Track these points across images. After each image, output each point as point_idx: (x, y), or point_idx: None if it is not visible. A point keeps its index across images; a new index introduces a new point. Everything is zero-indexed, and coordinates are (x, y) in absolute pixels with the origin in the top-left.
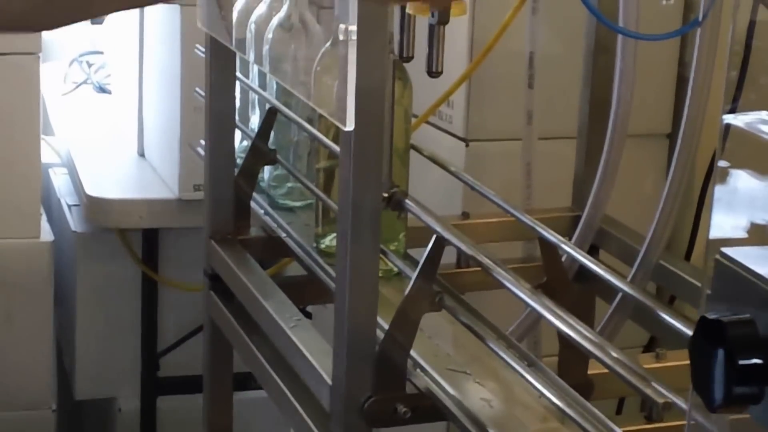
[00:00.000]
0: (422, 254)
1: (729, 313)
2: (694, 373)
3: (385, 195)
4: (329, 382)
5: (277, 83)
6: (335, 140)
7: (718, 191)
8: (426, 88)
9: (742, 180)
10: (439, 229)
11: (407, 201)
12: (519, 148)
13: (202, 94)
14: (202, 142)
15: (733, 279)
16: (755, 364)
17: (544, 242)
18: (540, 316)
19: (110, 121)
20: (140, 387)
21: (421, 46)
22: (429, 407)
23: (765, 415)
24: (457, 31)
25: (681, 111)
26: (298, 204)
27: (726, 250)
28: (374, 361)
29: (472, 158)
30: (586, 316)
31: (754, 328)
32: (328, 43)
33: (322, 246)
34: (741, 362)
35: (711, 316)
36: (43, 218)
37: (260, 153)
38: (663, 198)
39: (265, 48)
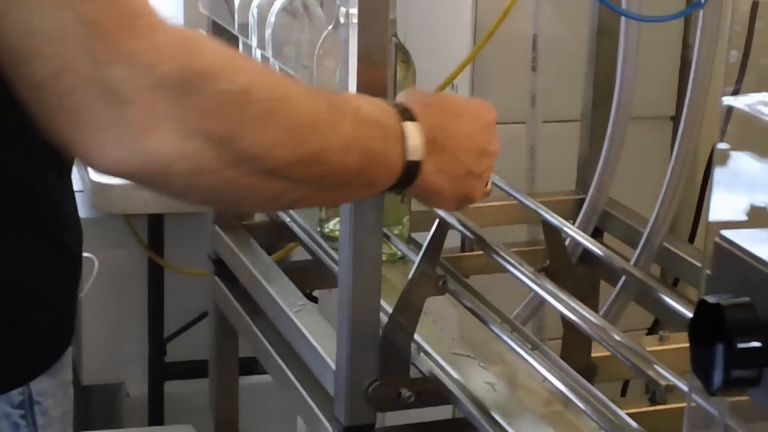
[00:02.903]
0: (426, 238)
1: (728, 296)
2: (694, 356)
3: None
4: (333, 366)
5: (279, 67)
6: None
7: (719, 173)
8: (429, 71)
9: (742, 162)
10: (442, 212)
11: None
12: (523, 131)
13: None
14: None
15: (733, 262)
16: (754, 347)
17: (547, 225)
18: (543, 300)
19: None
20: (147, 372)
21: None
22: (433, 391)
23: (764, 397)
24: (461, 14)
25: (684, 93)
26: None
27: (725, 232)
28: (378, 346)
29: None
30: (589, 299)
31: (753, 312)
32: (330, 27)
33: (326, 230)
34: (740, 345)
35: (710, 299)
36: None
37: None
38: (666, 180)
39: (268, 32)
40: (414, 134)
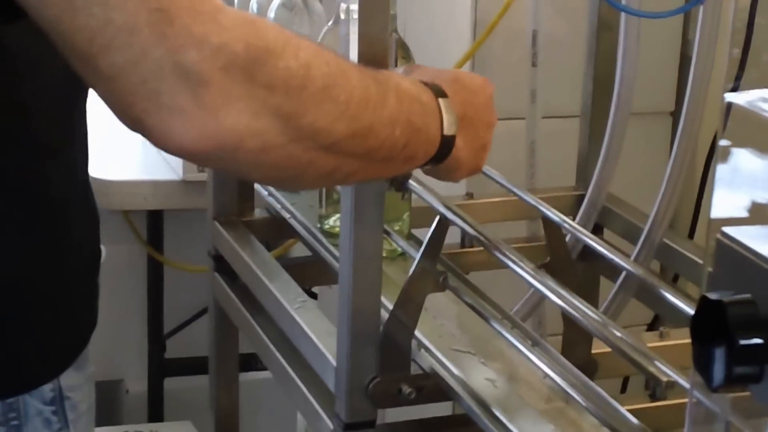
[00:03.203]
0: (426, 234)
1: (730, 293)
2: (696, 353)
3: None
4: (334, 363)
5: None
6: None
7: (720, 170)
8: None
9: (743, 159)
10: (442, 209)
11: (411, 181)
12: (522, 126)
13: None
14: None
15: (734, 259)
16: (756, 343)
17: (547, 221)
18: (544, 296)
19: None
20: (147, 368)
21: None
22: (434, 388)
23: (765, 393)
24: (461, 10)
25: (684, 89)
26: None
27: (727, 229)
28: (379, 342)
29: None
30: (589, 295)
31: (754, 308)
32: (330, 22)
33: (326, 227)
34: (741, 342)
35: (712, 296)
36: None
37: None
38: (666, 176)
39: None
40: (449, 110)
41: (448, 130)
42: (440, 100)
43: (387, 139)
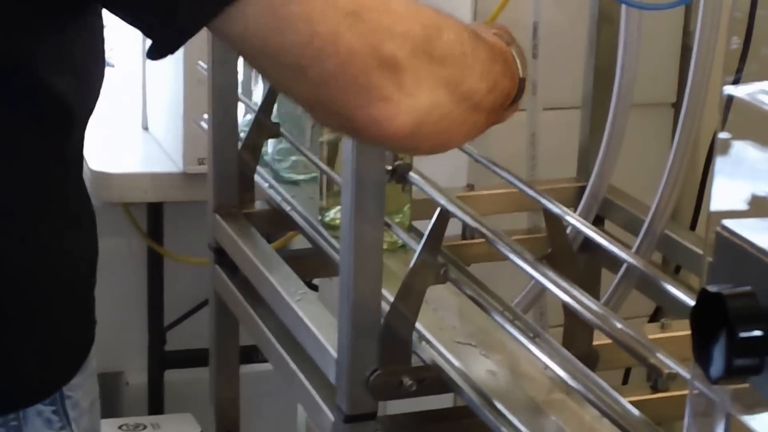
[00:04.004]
0: (427, 226)
1: (730, 286)
2: (696, 345)
3: (389, 167)
4: (335, 355)
5: None
6: None
7: (720, 163)
8: None
9: (744, 152)
10: (443, 201)
11: (411, 173)
12: (523, 118)
13: (205, 67)
14: (206, 116)
15: (734, 252)
16: (755, 336)
17: (548, 213)
18: (545, 288)
19: (114, 94)
20: (147, 361)
21: None
22: (435, 380)
23: (765, 385)
24: (461, 2)
25: (685, 80)
26: (302, 177)
27: (727, 222)
28: (379, 334)
29: None
30: (591, 287)
31: (754, 300)
32: None
33: (327, 219)
34: (741, 334)
35: (712, 288)
36: None
37: (264, 126)
38: (668, 167)
39: None
40: (519, 55)
41: (523, 74)
42: (510, 47)
43: (503, 89)
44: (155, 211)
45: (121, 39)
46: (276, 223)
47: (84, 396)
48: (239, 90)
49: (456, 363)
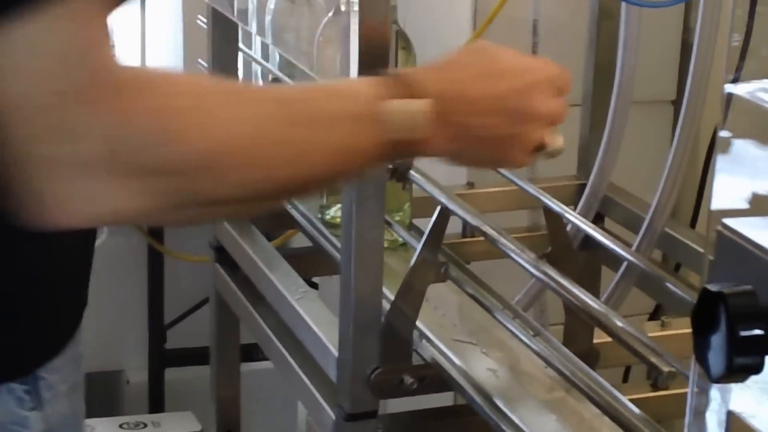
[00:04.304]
0: (427, 224)
1: (730, 285)
2: (696, 344)
3: (390, 165)
4: (335, 353)
5: (279, 54)
6: None
7: (721, 161)
8: (430, 57)
9: (744, 150)
10: (443, 199)
11: (412, 171)
12: None
13: (205, 65)
14: None
15: (735, 250)
16: (756, 335)
17: (548, 211)
18: (545, 286)
19: None
20: (148, 359)
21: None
22: (435, 378)
23: (765, 384)
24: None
25: (685, 77)
26: None
27: (727, 220)
28: (380, 332)
29: None
30: (591, 285)
31: (755, 299)
32: (330, 13)
33: (327, 217)
34: (742, 333)
35: (712, 287)
36: None
37: None
38: (668, 165)
39: (268, 18)
40: (398, 113)
41: (394, 134)
42: (389, 102)
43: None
44: None
45: (120, 38)
46: (276, 221)
47: (61, 380)
48: None
49: (457, 361)
